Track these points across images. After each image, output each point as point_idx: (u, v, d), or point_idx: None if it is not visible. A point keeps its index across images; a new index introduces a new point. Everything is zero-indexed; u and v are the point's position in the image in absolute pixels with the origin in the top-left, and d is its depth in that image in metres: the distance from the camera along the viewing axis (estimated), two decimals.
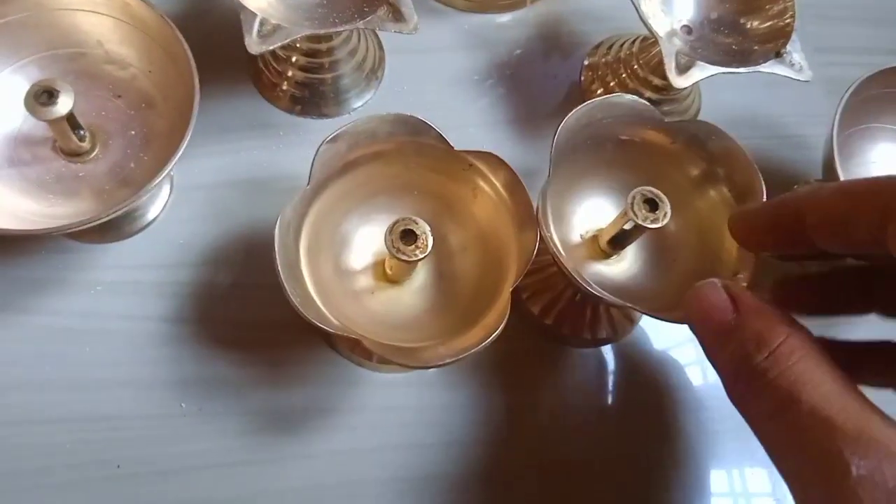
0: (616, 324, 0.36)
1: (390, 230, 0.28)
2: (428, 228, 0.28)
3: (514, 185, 0.30)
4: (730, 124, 0.45)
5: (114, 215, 0.29)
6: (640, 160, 0.33)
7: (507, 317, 0.27)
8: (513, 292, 0.28)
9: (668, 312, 0.29)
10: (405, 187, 0.33)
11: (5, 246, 0.35)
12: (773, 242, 0.28)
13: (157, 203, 0.36)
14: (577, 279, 0.28)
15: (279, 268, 0.28)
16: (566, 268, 0.29)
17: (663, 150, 0.33)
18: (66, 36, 0.33)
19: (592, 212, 0.34)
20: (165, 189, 0.37)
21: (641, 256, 0.33)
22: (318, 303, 0.29)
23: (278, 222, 0.28)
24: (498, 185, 0.31)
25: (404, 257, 0.28)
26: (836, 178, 0.34)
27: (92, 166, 0.33)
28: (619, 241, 0.31)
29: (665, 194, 0.29)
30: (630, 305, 0.29)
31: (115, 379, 0.33)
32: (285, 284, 0.27)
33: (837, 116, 0.36)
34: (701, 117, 0.45)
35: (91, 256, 0.35)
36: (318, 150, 0.30)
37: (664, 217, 0.29)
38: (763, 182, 0.31)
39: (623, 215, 0.30)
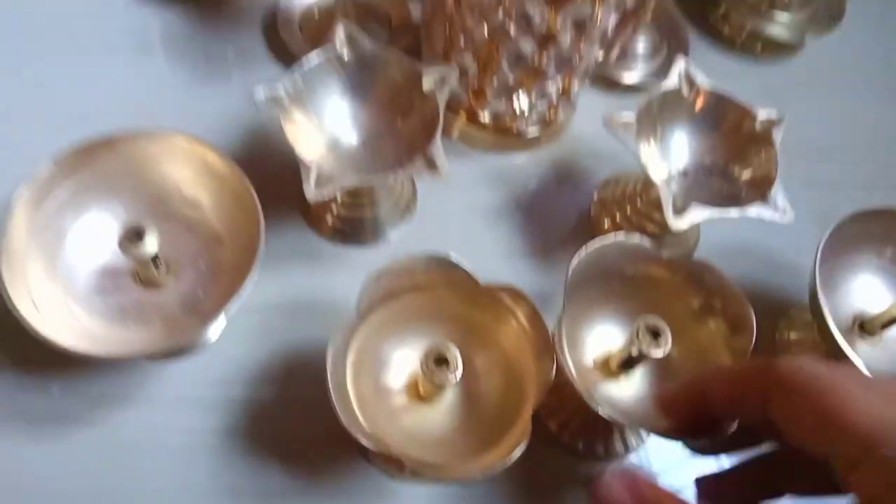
0: (627, 440, 0.39)
1: (425, 355, 0.32)
2: (458, 354, 0.32)
3: (534, 316, 0.35)
4: (727, 254, 0.50)
5: (185, 342, 0.34)
6: (646, 292, 0.37)
7: (528, 438, 0.31)
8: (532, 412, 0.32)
9: (670, 432, 0.32)
10: (438, 315, 0.37)
11: (83, 365, 0.39)
12: (690, 418, 0.32)
13: (216, 325, 0.41)
14: (590, 401, 0.32)
15: (331, 391, 0.31)
16: (580, 390, 0.32)
17: (666, 283, 0.37)
18: (150, 181, 0.39)
19: (604, 337, 0.38)
20: (223, 314, 0.41)
21: (649, 379, 0.37)
22: (362, 421, 0.33)
23: (330, 350, 0.33)
24: (520, 314, 0.36)
25: (438, 381, 0.32)
26: (819, 307, 0.38)
27: (165, 295, 0.38)
28: (627, 366, 0.35)
29: (668, 324, 0.34)
30: (630, 423, 0.32)
31: (172, 488, 0.37)
32: (336, 406, 0.31)
33: (820, 250, 0.40)
34: (700, 247, 0.50)
35: (156, 374, 0.40)
36: (364, 285, 0.35)
37: (665, 346, 0.33)
38: (754, 315, 0.35)
39: (630, 343, 0.34)
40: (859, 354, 0.41)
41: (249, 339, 0.41)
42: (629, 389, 0.36)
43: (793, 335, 0.46)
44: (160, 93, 0.49)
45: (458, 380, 0.32)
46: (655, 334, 0.33)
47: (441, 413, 0.35)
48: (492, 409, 0.35)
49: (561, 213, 0.50)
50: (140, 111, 0.48)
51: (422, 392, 0.35)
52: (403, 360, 0.36)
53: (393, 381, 0.36)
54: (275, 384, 0.40)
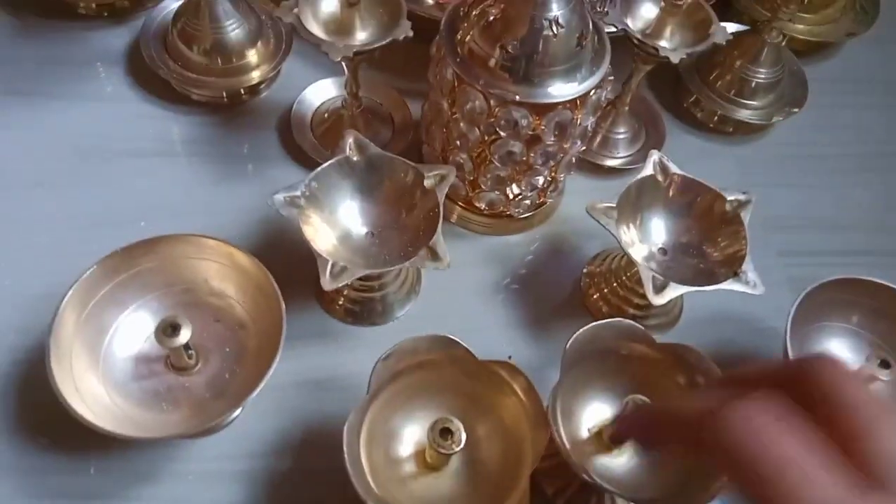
0: None
1: (431, 428, 0.36)
2: (461, 426, 0.36)
3: (529, 389, 0.38)
4: (710, 322, 0.54)
5: (215, 423, 0.37)
6: (637, 370, 0.41)
7: (526, 501, 0.34)
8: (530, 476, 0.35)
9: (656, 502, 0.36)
10: (442, 389, 0.41)
11: (118, 444, 0.42)
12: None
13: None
14: (578, 469, 0.35)
15: (347, 464, 0.35)
16: (569, 458, 0.36)
17: (656, 362, 0.41)
18: (180, 276, 0.43)
19: (598, 411, 0.41)
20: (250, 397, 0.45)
21: (639, 452, 0.40)
22: (374, 488, 0.36)
23: (346, 427, 0.36)
24: (516, 387, 0.39)
25: (443, 451, 0.36)
26: None
27: (195, 378, 0.42)
28: (618, 439, 0.39)
29: (654, 399, 0.37)
30: (619, 493, 0.35)
31: None
32: (352, 476, 0.35)
33: (790, 318, 0.44)
34: (684, 316, 0.53)
35: (186, 450, 0.43)
36: (374, 366, 0.39)
37: None
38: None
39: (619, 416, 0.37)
40: None
41: (270, 415, 0.45)
42: (621, 460, 0.40)
43: None
44: (187, 192, 0.55)
45: (460, 448, 0.35)
46: None
47: (447, 479, 0.39)
48: (493, 475, 0.38)
49: (553, 288, 0.54)
50: (169, 210, 0.53)
51: (429, 460, 0.39)
52: (411, 432, 0.40)
53: (402, 452, 0.40)
54: (294, 456, 0.44)
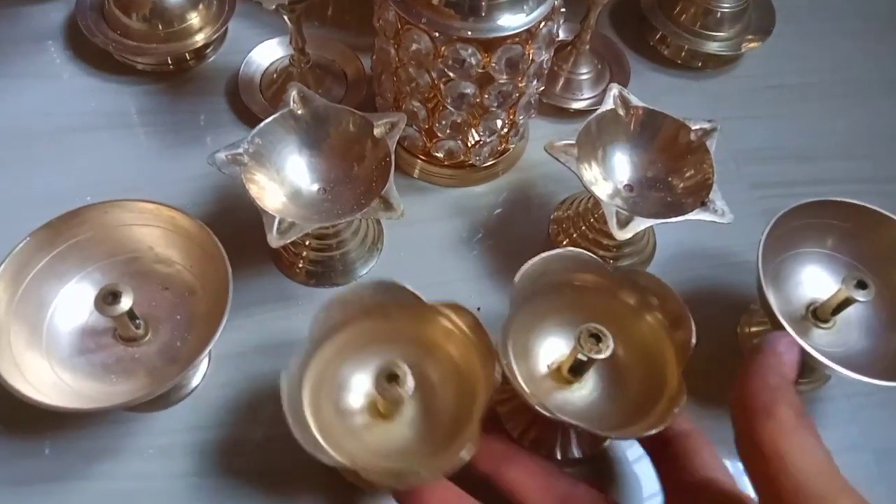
0: (584, 444, 0.41)
1: (377, 374, 0.34)
2: (408, 370, 0.34)
3: (476, 326, 0.37)
4: (684, 257, 0.52)
5: (165, 390, 0.36)
6: (589, 300, 0.40)
7: (477, 440, 0.33)
8: (494, 417, 0.34)
9: (620, 430, 0.34)
10: (390, 337, 0.39)
11: (72, 422, 0.41)
12: None
13: (199, 373, 0.43)
14: (533, 403, 0.34)
15: (288, 417, 0.33)
16: (524, 395, 0.34)
17: (607, 290, 0.40)
18: (123, 245, 0.42)
19: (555, 346, 0.40)
20: (205, 361, 0.43)
21: (601, 382, 0.39)
22: (321, 440, 0.34)
23: (283, 378, 0.35)
24: (464, 327, 0.38)
25: (391, 397, 0.34)
26: (766, 299, 0.41)
27: (146, 348, 0.40)
28: (576, 371, 0.37)
29: (611, 326, 0.36)
30: (578, 424, 0.34)
31: None
32: (294, 430, 0.33)
33: (762, 246, 0.43)
34: (657, 254, 0.52)
35: (144, 424, 0.42)
36: (315, 315, 0.37)
37: (607, 349, 0.35)
38: (689, 311, 0.38)
39: (575, 349, 0.36)
40: (815, 341, 0.44)
41: (233, 382, 0.44)
42: (582, 393, 0.38)
43: (753, 329, 0.48)
44: (135, 164, 0.53)
45: (410, 394, 0.33)
46: (597, 338, 0.35)
47: (402, 427, 0.37)
48: (448, 418, 0.36)
49: (522, 236, 0.52)
50: (117, 183, 0.51)
51: (381, 410, 0.37)
52: (361, 383, 0.38)
53: (353, 403, 0.38)
54: (261, 423, 0.42)
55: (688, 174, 0.46)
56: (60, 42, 0.58)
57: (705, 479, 0.34)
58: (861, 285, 0.41)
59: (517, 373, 0.35)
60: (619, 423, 0.35)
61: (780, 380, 0.32)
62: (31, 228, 0.39)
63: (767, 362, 0.33)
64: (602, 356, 0.34)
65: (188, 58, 0.57)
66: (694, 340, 0.37)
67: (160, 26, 0.55)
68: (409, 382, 0.34)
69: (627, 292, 0.40)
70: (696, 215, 0.43)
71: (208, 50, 0.58)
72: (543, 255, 0.39)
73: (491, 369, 0.35)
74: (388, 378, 0.34)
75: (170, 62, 0.57)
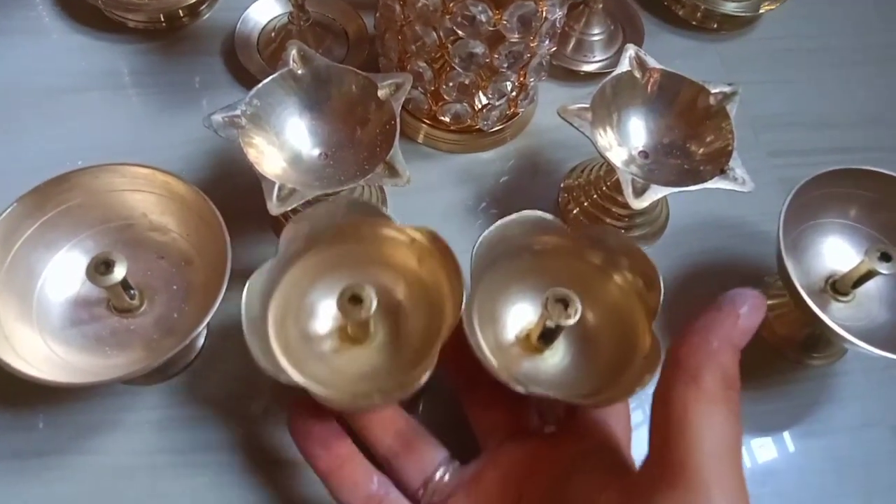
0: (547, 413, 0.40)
1: (340, 296, 0.33)
2: (372, 292, 0.32)
3: (446, 251, 0.35)
4: (698, 227, 0.50)
5: (163, 361, 0.34)
6: (553, 263, 0.38)
7: (433, 365, 0.31)
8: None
9: (591, 398, 0.33)
10: (362, 260, 0.37)
11: (66, 396, 0.40)
12: None
13: (196, 346, 0.42)
14: (500, 377, 0.32)
15: (245, 330, 0.32)
16: (491, 367, 0.33)
17: (570, 250, 0.38)
18: (116, 211, 0.40)
19: (523, 313, 0.38)
20: (203, 333, 0.42)
21: (571, 349, 0.37)
22: (284, 362, 0.33)
23: (245, 290, 0.33)
24: (436, 252, 0.36)
25: (354, 319, 0.33)
26: (786, 271, 0.39)
27: (141, 320, 0.38)
28: (546, 338, 0.36)
29: (578, 289, 0.34)
30: (545, 394, 0.32)
31: None
32: (251, 344, 0.32)
33: (783, 216, 0.41)
34: (670, 224, 0.50)
35: (140, 398, 0.40)
36: (283, 233, 0.35)
37: (575, 313, 0.33)
38: (658, 270, 0.36)
39: (543, 316, 0.34)
40: (834, 314, 0.42)
41: (230, 357, 0.42)
42: (553, 360, 0.37)
43: (769, 301, 0.46)
44: (128, 127, 0.50)
45: (370, 314, 0.32)
46: (565, 303, 0.33)
47: (372, 352, 0.36)
48: (417, 342, 0.35)
49: (531, 204, 0.49)
50: (110, 147, 0.49)
51: (351, 334, 0.36)
52: (331, 307, 0.36)
53: (322, 328, 0.37)
54: (258, 398, 0.41)
55: (706, 140, 0.44)
56: None
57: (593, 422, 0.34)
58: (885, 257, 0.40)
59: (483, 345, 0.34)
60: (594, 389, 0.34)
61: (723, 344, 0.28)
62: (18, 194, 0.37)
63: (720, 320, 0.29)
64: (570, 322, 0.33)
65: (181, 15, 0.55)
66: (661, 298, 0.35)
67: None
68: (372, 305, 0.32)
69: (593, 252, 0.38)
70: (716, 184, 0.41)
71: (203, 6, 0.56)
72: (500, 221, 0.37)
73: (459, 295, 0.33)
74: (350, 300, 0.32)
75: (162, 19, 0.54)
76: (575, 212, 0.49)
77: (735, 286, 0.48)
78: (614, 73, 0.44)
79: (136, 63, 0.53)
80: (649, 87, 0.45)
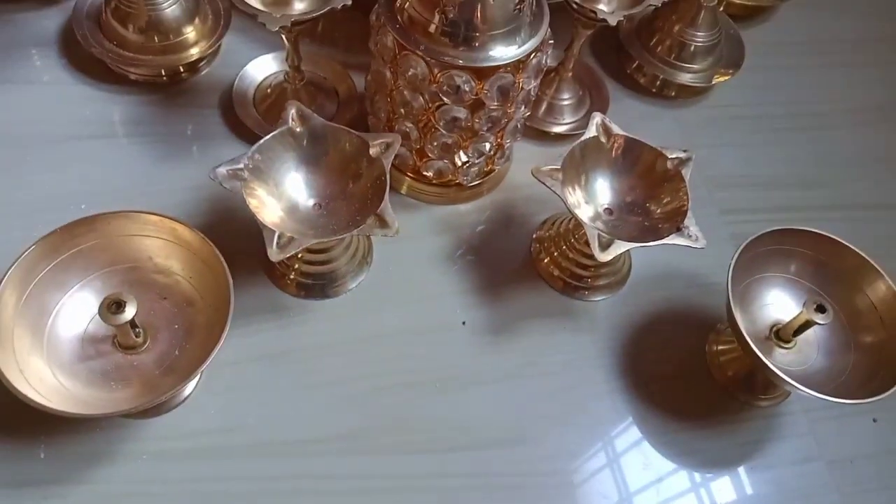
0: None
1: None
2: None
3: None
4: (657, 278, 0.55)
5: (164, 399, 0.37)
6: None
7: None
8: None
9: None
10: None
11: (68, 426, 0.42)
12: None
13: (192, 381, 0.44)
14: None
15: None
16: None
17: None
18: (124, 254, 0.43)
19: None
20: (200, 371, 0.44)
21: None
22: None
23: None
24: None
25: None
26: (734, 320, 0.44)
27: (144, 356, 0.41)
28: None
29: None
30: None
31: None
32: None
33: (731, 270, 0.46)
34: (633, 274, 0.55)
35: (138, 430, 0.43)
36: None
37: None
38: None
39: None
40: (776, 360, 0.47)
41: (224, 391, 0.45)
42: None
43: (720, 347, 0.51)
44: (128, 173, 0.53)
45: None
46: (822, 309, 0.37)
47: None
48: None
49: (505, 254, 0.55)
50: (111, 192, 0.52)
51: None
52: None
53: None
54: (249, 431, 0.44)
55: (664, 200, 0.49)
56: (54, 49, 0.59)
57: None
58: (821, 309, 0.45)
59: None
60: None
61: None
62: (27, 235, 0.40)
63: None
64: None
65: (182, 70, 0.59)
66: None
67: (156, 38, 0.56)
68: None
69: None
70: (672, 240, 0.46)
71: (202, 63, 0.60)
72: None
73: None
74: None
75: (164, 74, 0.58)
76: (545, 261, 0.53)
77: (691, 333, 0.53)
78: (582, 138, 0.49)
79: (136, 113, 0.57)
80: (614, 151, 0.50)
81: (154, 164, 0.54)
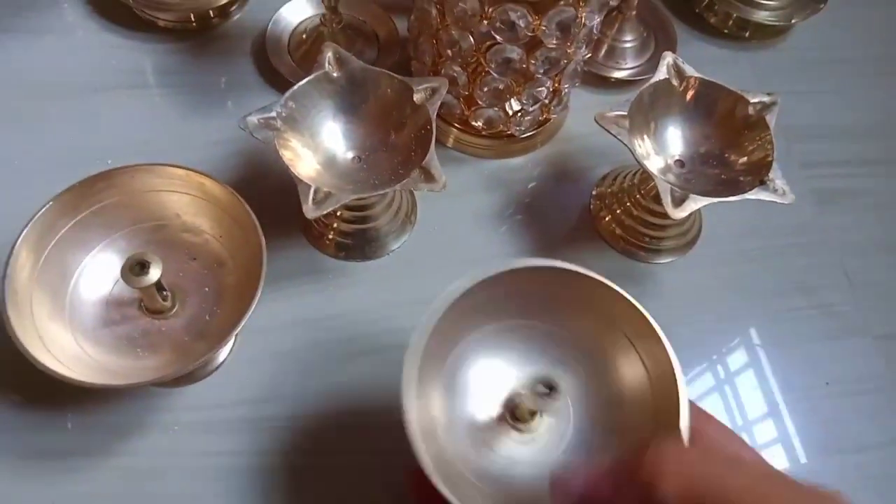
0: None
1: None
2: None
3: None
4: (731, 238, 0.50)
5: (194, 367, 0.34)
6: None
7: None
8: None
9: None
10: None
11: (95, 396, 0.39)
12: None
13: (226, 348, 0.41)
14: None
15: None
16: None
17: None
18: (149, 212, 0.39)
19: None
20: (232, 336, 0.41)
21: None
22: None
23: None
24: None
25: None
26: None
27: (173, 321, 0.38)
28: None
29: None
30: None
31: None
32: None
33: None
34: (703, 234, 0.49)
35: (169, 400, 0.40)
36: None
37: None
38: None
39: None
40: None
41: (260, 359, 0.42)
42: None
43: None
44: (157, 126, 0.50)
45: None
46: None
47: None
48: None
49: (561, 212, 0.50)
50: (138, 146, 0.49)
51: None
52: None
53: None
54: (286, 401, 0.41)
55: (745, 151, 0.43)
56: None
57: None
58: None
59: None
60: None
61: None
62: (49, 191, 0.37)
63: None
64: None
65: (212, 15, 0.55)
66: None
67: None
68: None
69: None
70: (756, 195, 0.40)
71: (233, 7, 0.56)
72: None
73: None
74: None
75: (193, 19, 0.54)
76: (607, 219, 0.48)
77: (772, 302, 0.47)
78: (651, 81, 0.44)
79: (165, 62, 0.53)
80: (687, 96, 0.44)
81: (184, 116, 0.51)
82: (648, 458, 0.26)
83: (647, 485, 0.26)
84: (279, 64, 0.52)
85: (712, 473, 0.25)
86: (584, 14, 0.41)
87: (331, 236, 0.46)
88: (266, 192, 0.44)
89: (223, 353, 0.41)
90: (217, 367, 0.41)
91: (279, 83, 0.52)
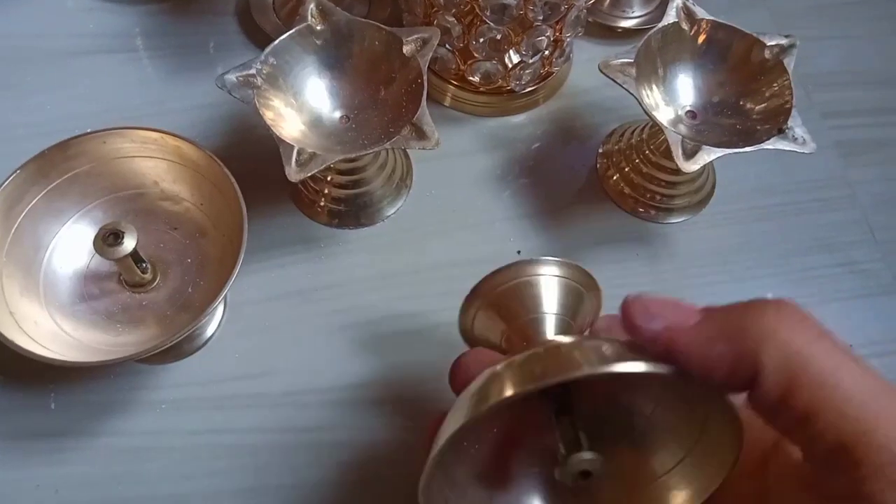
0: None
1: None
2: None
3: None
4: (747, 194, 0.47)
5: (177, 340, 0.32)
6: None
7: None
8: None
9: None
10: None
11: (77, 374, 0.37)
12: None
13: (213, 322, 0.39)
14: None
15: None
16: None
17: None
18: (126, 179, 0.37)
19: None
20: (220, 308, 0.39)
21: None
22: None
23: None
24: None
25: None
26: None
27: (154, 294, 0.36)
28: None
29: None
30: None
31: (183, 493, 0.35)
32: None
33: None
34: (717, 190, 0.47)
35: (155, 377, 0.38)
36: None
37: None
38: None
39: None
40: None
41: (250, 332, 0.40)
42: None
43: None
44: (137, 91, 0.48)
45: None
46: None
47: None
48: None
49: (565, 171, 0.47)
50: (119, 111, 0.46)
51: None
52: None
53: None
54: (279, 376, 0.39)
55: (761, 98, 0.40)
56: None
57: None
58: None
59: None
60: None
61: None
62: (24, 161, 0.35)
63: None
64: None
65: None
66: None
67: None
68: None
69: None
70: (774, 144, 0.37)
71: None
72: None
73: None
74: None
75: None
76: (615, 178, 0.46)
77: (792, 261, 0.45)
78: (660, 26, 0.40)
79: (146, 24, 0.51)
80: (698, 41, 0.41)
81: (166, 79, 0.48)
82: (761, 313, 0.21)
83: (747, 347, 0.21)
84: (264, 22, 0.49)
85: (829, 368, 0.20)
86: None
87: (322, 203, 0.43)
88: (254, 159, 0.42)
89: (211, 328, 0.39)
90: (205, 343, 0.39)
91: (264, 42, 0.48)
